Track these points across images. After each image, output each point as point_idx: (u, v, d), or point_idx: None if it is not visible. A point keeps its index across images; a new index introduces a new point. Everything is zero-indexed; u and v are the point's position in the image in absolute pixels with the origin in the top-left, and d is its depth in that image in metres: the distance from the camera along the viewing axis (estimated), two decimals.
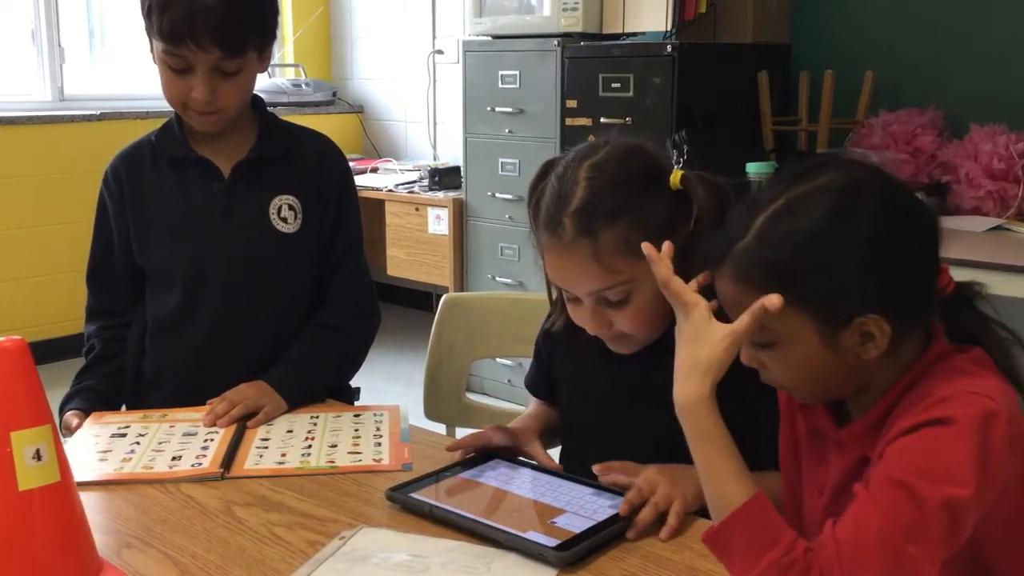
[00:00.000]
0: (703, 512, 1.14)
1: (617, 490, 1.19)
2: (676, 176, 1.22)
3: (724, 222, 1.05)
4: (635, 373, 1.30)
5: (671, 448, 1.07)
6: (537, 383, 1.50)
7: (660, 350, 1.21)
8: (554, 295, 1.39)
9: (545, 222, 1.23)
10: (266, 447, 1.40)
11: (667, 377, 1.04)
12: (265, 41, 1.58)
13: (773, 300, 0.95)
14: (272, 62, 1.72)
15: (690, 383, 0.99)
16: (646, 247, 1.09)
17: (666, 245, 1.10)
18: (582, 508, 1.17)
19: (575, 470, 1.28)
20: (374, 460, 1.36)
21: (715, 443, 0.98)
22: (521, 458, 1.33)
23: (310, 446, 1.41)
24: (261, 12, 1.56)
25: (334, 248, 1.69)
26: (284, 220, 1.64)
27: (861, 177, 0.98)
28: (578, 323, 1.29)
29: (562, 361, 1.43)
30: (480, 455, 1.33)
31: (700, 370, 0.99)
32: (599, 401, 1.37)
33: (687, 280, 1.06)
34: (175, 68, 1.53)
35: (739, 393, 1.05)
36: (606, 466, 1.21)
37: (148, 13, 1.51)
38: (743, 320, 0.97)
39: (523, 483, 1.24)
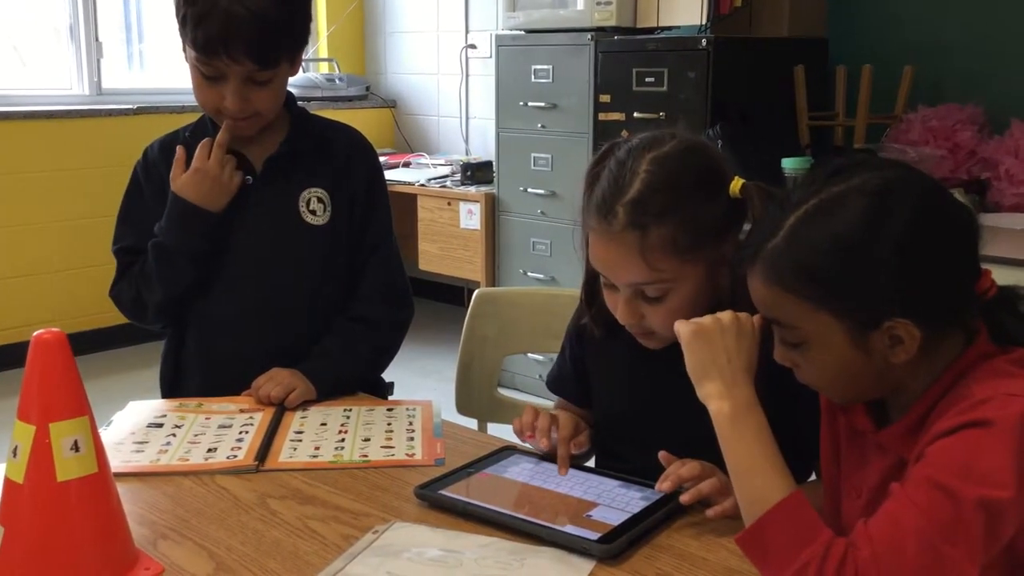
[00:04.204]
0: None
1: (644, 481, 1.20)
2: (737, 185, 1.21)
3: None
4: (670, 369, 1.29)
5: (707, 444, 1.06)
6: (563, 382, 1.48)
7: None
8: (585, 289, 1.38)
9: (598, 205, 1.21)
10: (300, 440, 1.41)
11: None
12: (297, 50, 1.60)
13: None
14: (306, 57, 1.73)
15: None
16: None
17: None
18: (614, 501, 1.17)
19: (613, 468, 1.28)
20: (407, 455, 1.36)
21: (759, 439, 0.98)
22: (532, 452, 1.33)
23: (343, 439, 1.41)
24: (295, 23, 1.56)
25: (364, 241, 1.70)
26: (313, 213, 1.65)
27: (895, 179, 0.97)
28: (610, 308, 1.28)
29: (595, 358, 1.42)
30: (497, 449, 1.33)
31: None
32: (635, 398, 1.36)
33: (733, 288, 1.07)
34: (207, 76, 1.54)
35: (777, 392, 1.04)
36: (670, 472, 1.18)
37: (183, 22, 1.52)
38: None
39: (549, 477, 1.25)
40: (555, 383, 1.50)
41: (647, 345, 1.30)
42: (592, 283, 1.35)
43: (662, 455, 1.18)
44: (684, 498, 1.13)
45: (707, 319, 1.06)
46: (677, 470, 1.15)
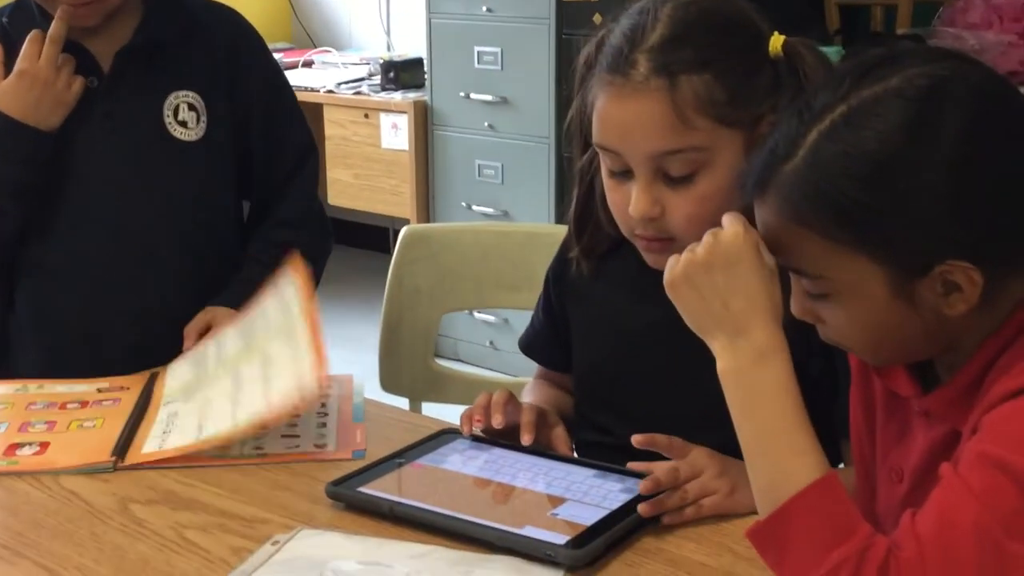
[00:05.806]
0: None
1: (626, 469, 1.22)
2: (778, 41, 1.25)
3: None
4: (676, 319, 1.28)
5: (718, 418, 1.07)
6: (538, 341, 1.50)
7: None
8: (577, 211, 1.39)
9: (611, 61, 1.24)
10: (175, 424, 1.40)
11: None
12: None
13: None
14: None
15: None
16: None
17: None
18: (587, 495, 1.19)
19: (588, 443, 1.29)
20: (316, 446, 1.37)
21: (779, 401, 1.00)
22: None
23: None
24: None
25: (282, 161, 1.72)
26: (183, 124, 1.65)
27: (947, 76, 0.97)
28: (615, 214, 1.29)
29: (578, 302, 1.44)
30: (433, 433, 1.35)
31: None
32: (628, 354, 1.38)
33: None
34: None
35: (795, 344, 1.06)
36: (648, 438, 1.21)
37: None
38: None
39: (503, 467, 1.26)
40: (528, 343, 1.52)
41: (657, 265, 1.26)
42: (586, 201, 1.37)
43: (635, 439, 1.20)
44: (643, 509, 1.14)
45: (682, 258, 1.06)
46: (657, 470, 1.17)
